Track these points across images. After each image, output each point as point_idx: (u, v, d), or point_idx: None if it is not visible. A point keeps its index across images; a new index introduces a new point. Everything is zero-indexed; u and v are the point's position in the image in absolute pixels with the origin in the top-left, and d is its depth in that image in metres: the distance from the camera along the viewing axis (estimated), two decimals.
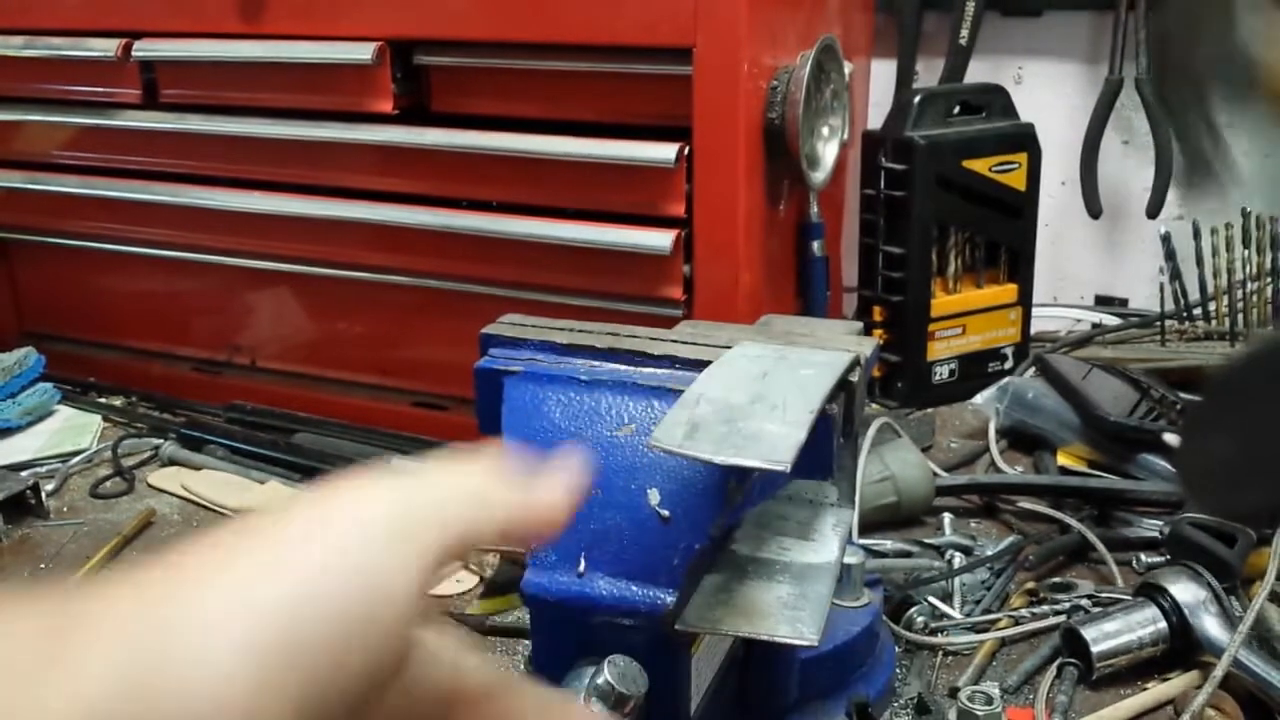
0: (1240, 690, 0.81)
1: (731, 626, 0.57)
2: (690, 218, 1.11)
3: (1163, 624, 0.86)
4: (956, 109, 1.31)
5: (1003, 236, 1.35)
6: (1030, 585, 0.96)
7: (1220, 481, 0.32)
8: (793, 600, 0.57)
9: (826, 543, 0.63)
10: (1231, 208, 1.46)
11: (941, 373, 1.35)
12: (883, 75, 1.54)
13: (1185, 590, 0.86)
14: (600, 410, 0.62)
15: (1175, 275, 1.41)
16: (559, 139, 1.13)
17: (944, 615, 0.93)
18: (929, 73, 1.55)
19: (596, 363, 0.65)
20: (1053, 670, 0.86)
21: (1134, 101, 1.45)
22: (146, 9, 1.28)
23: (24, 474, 1.20)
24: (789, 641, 0.55)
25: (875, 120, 1.39)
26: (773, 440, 0.46)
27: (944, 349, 1.34)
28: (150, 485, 1.23)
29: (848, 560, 0.82)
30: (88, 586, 0.32)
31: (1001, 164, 1.31)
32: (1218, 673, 0.79)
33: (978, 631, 0.91)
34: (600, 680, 0.56)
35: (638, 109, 1.14)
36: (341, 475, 0.36)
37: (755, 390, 0.50)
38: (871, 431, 1.10)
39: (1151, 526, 1.01)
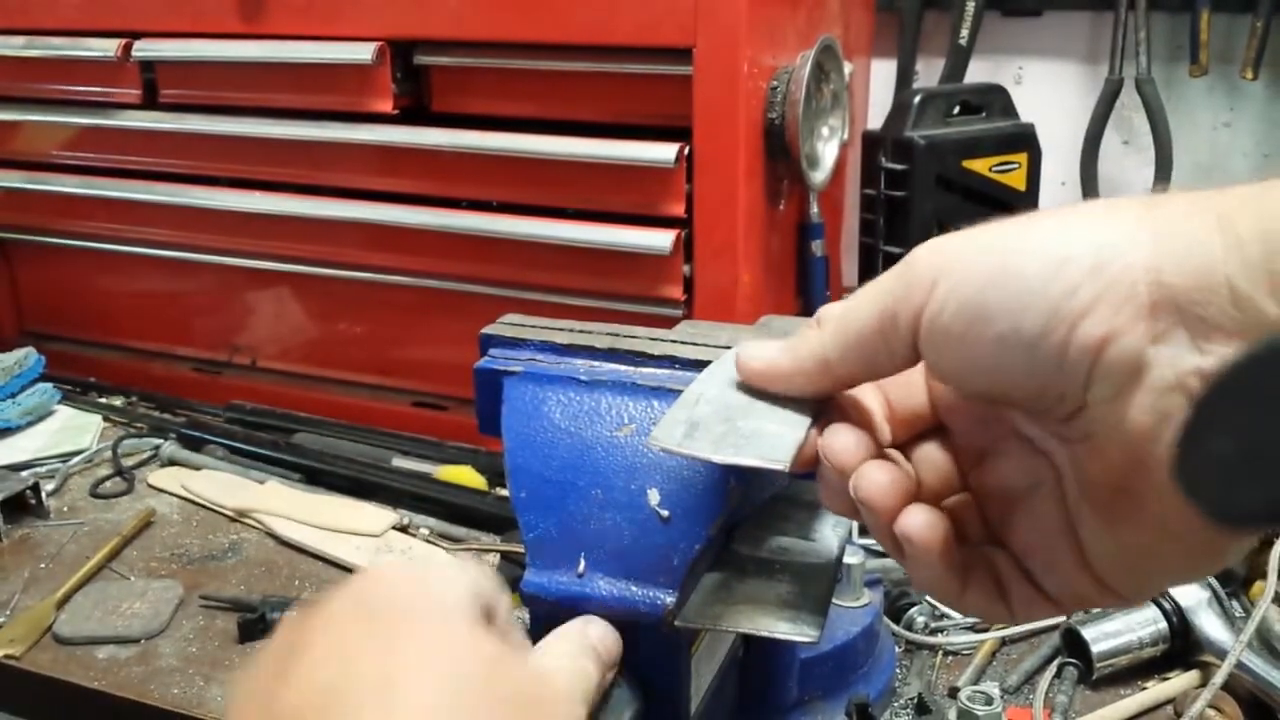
0: (1241, 690, 0.81)
1: (732, 623, 0.56)
2: (690, 218, 1.11)
3: (1163, 624, 0.86)
4: (956, 109, 1.31)
5: None
6: None
7: (1220, 481, 0.32)
8: (793, 598, 0.57)
9: (827, 543, 0.62)
10: None
11: None
12: (883, 75, 1.54)
13: (1185, 590, 0.86)
14: (600, 410, 0.61)
15: None
16: (559, 139, 1.13)
17: (944, 615, 0.93)
18: (929, 72, 1.55)
19: (596, 363, 0.65)
20: (1052, 670, 0.87)
21: (1134, 101, 1.45)
22: (146, 9, 1.28)
23: (24, 474, 1.20)
24: (790, 638, 0.55)
25: (875, 120, 1.39)
26: (772, 439, 0.46)
27: None
28: (150, 485, 1.23)
29: (848, 560, 0.82)
30: None
31: (1001, 164, 1.31)
32: (1219, 677, 0.79)
33: (977, 631, 0.91)
34: None
35: (638, 109, 1.14)
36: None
37: (755, 388, 0.50)
38: None
39: None
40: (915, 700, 0.84)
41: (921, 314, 0.40)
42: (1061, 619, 0.89)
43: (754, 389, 0.49)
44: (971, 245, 0.40)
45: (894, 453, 0.47)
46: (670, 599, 0.57)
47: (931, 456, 0.47)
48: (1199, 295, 0.35)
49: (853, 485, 0.44)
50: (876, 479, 0.43)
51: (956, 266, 0.39)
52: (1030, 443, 0.43)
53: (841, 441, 0.45)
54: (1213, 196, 0.36)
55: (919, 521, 0.42)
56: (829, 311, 0.45)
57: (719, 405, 0.49)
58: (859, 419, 0.46)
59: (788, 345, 0.47)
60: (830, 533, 0.63)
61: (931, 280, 0.40)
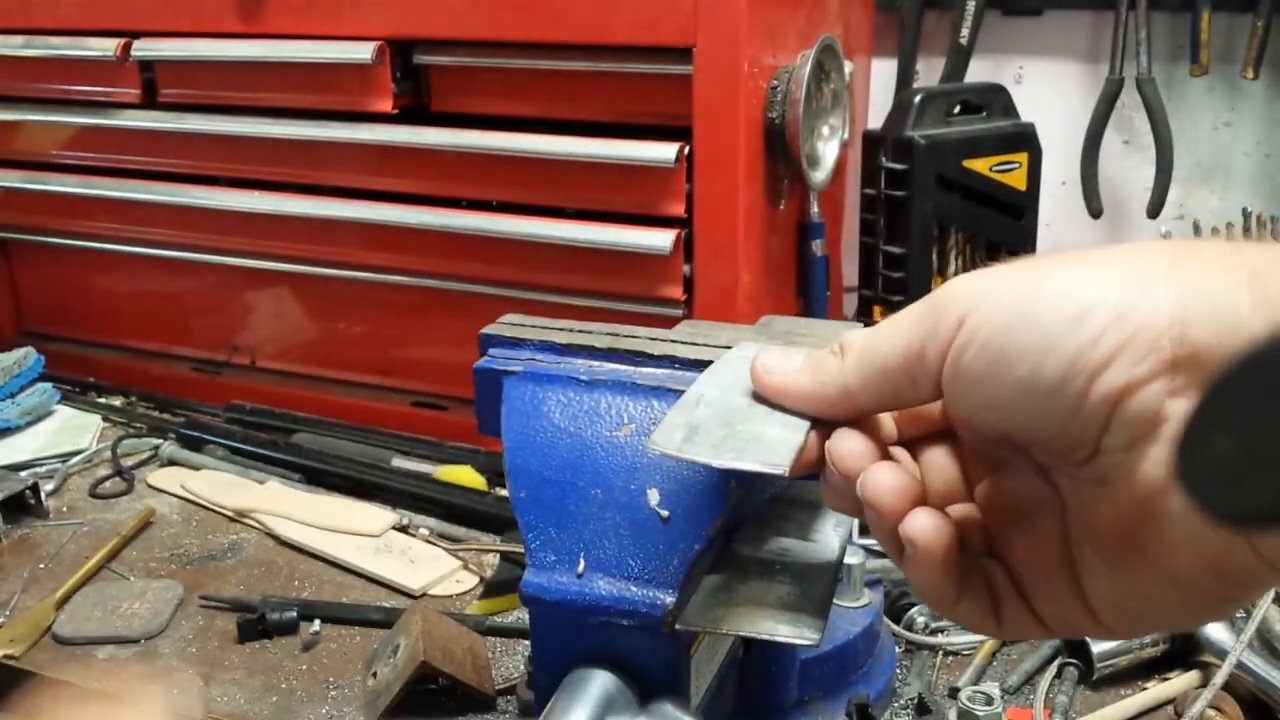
0: (1241, 690, 0.81)
1: (733, 626, 0.56)
2: (690, 218, 1.10)
3: None
4: (957, 108, 1.31)
5: (1003, 236, 1.35)
6: None
7: (1220, 481, 0.32)
8: (794, 600, 0.57)
9: (827, 543, 0.62)
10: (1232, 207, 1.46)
11: None
12: (883, 74, 1.54)
13: None
14: (600, 410, 0.61)
15: None
16: (559, 139, 1.13)
17: None
18: (929, 72, 1.55)
19: (596, 363, 0.65)
20: (1053, 670, 0.86)
21: (1134, 101, 1.45)
22: (145, 9, 1.28)
23: (23, 474, 1.20)
24: (790, 641, 0.55)
25: (875, 120, 1.39)
26: (772, 443, 0.45)
27: None
28: (150, 485, 1.23)
29: (848, 561, 0.82)
30: None
31: (1002, 163, 1.31)
32: (1219, 677, 0.79)
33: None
34: None
35: (638, 109, 1.14)
36: None
37: (755, 391, 0.50)
38: None
39: None
40: (915, 700, 0.84)
41: (948, 351, 0.40)
42: None
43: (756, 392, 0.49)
44: (999, 285, 0.39)
45: (900, 451, 0.46)
46: (670, 599, 0.57)
47: (938, 461, 0.46)
48: (1222, 352, 0.34)
49: (860, 485, 0.43)
50: (884, 480, 0.43)
51: (983, 306, 0.39)
52: (1041, 469, 0.43)
53: (848, 447, 0.44)
54: (1245, 250, 0.36)
55: (924, 525, 0.42)
56: (852, 340, 0.44)
57: (719, 408, 0.48)
58: (865, 422, 0.46)
59: (809, 366, 0.46)
60: (831, 533, 0.63)
61: (959, 318, 0.39)
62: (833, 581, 0.59)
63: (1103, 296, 0.36)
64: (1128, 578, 0.39)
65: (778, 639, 0.55)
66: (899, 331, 0.42)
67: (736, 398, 0.49)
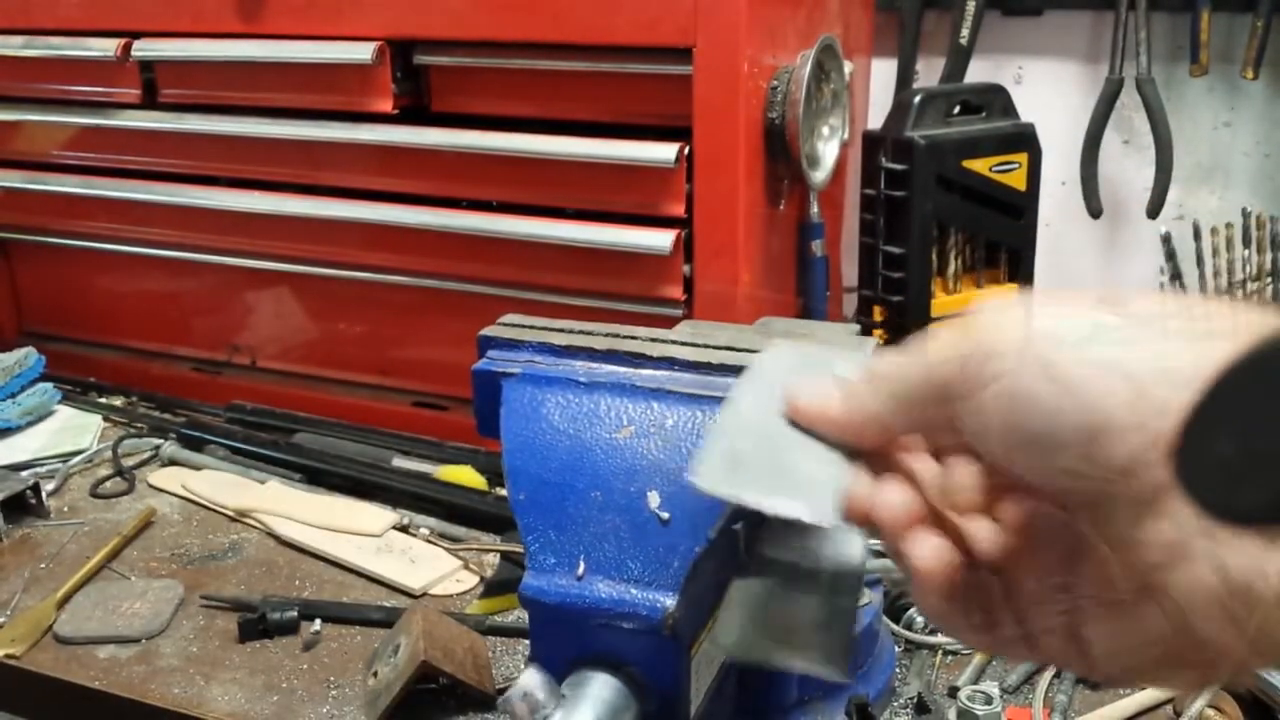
0: (1241, 690, 0.81)
1: (769, 657, 0.57)
2: (690, 218, 1.11)
3: None
4: (957, 109, 1.31)
5: (1003, 236, 1.35)
6: None
7: (1220, 480, 0.32)
8: (825, 618, 0.58)
9: (849, 544, 0.62)
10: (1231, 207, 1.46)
11: None
12: (883, 75, 1.54)
13: None
14: (599, 412, 0.62)
15: (1175, 275, 1.41)
16: (559, 139, 1.13)
17: None
18: (929, 72, 1.55)
19: (595, 364, 0.65)
20: (1052, 669, 0.86)
21: (1134, 101, 1.45)
22: (146, 9, 1.28)
23: (24, 474, 1.20)
24: (825, 674, 0.56)
25: (875, 120, 1.38)
26: (813, 484, 0.45)
27: None
28: (150, 485, 1.23)
29: None
30: None
31: (1002, 164, 1.31)
32: None
33: None
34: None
35: (638, 109, 1.14)
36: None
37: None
38: None
39: None
40: (915, 700, 0.84)
41: (974, 388, 0.40)
42: None
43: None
44: (1035, 328, 0.39)
45: (923, 458, 0.46)
46: (670, 601, 0.57)
47: (963, 474, 0.45)
48: None
49: (870, 504, 0.44)
50: (888, 500, 0.44)
51: (1015, 349, 0.39)
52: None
53: (861, 490, 0.45)
54: None
55: (931, 549, 0.42)
56: (884, 369, 0.44)
57: (758, 435, 0.47)
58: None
59: (843, 395, 0.46)
60: (851, 532, 0.63)
61: (988, 355, 0.39)
62: (858, 596, 0.59)
63: (1132, 370, 0.36)
64: (1120, 634, 0.40)
65: (813, 673, 0.56)
66: (930, 364, 0.42)
67: (773, 419, 0.48)
